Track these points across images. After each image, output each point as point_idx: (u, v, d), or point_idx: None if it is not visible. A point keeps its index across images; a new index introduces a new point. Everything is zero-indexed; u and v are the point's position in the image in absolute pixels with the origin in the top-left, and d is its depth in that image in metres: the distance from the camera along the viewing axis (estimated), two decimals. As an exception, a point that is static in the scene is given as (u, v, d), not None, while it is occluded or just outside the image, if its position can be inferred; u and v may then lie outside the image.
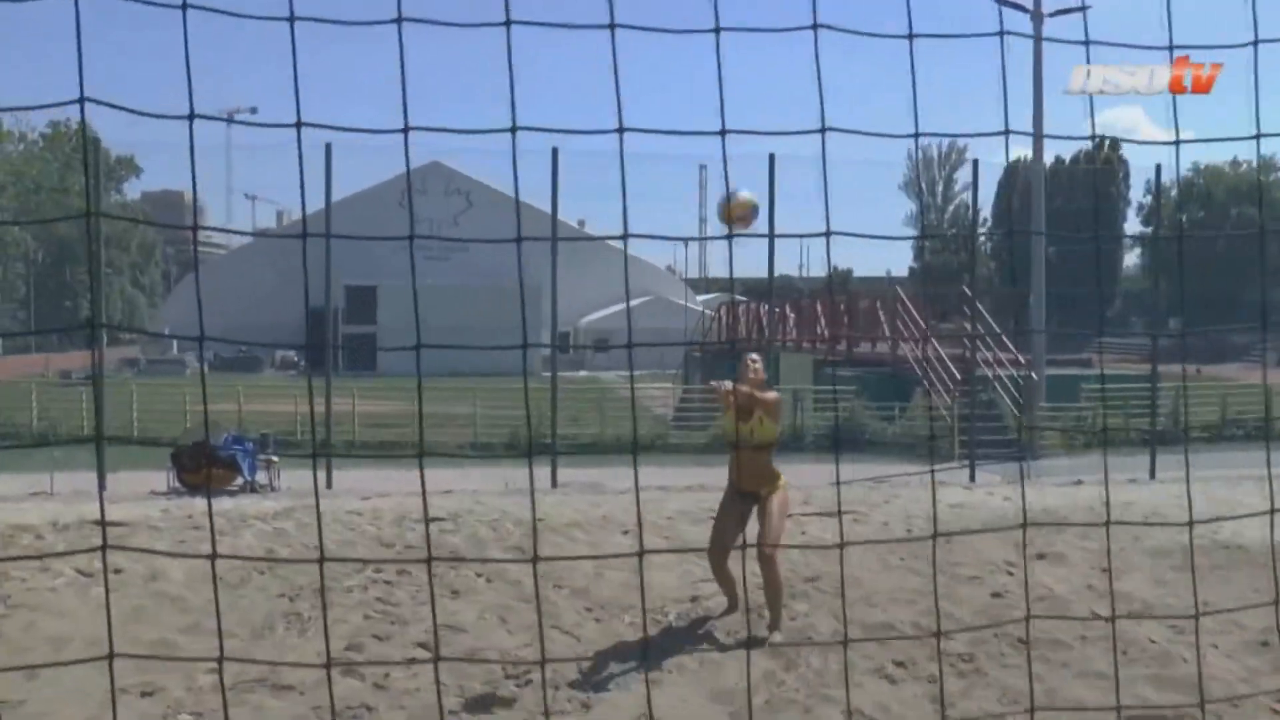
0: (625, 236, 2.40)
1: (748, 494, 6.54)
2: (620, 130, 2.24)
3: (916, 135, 2.62)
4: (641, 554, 2.68)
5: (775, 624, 6.49)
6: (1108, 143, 67.43)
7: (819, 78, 2.31)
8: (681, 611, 6.86)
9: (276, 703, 5.37)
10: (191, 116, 2.05)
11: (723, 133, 2.36)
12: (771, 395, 6.52)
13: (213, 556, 2.22)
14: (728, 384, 6.42)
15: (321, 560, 2.39)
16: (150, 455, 16.81)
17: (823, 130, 2.37)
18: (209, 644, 6.11)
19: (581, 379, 37.49)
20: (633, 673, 5.77)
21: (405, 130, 2.16)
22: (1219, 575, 7.86)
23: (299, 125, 2.04)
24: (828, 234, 2.58)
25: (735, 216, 6.45)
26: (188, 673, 5.64)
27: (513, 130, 2.17)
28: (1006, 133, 2.60)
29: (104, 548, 2.18)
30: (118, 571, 7.52)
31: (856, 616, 6.60)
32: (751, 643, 6.29)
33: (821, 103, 2.32)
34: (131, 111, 2.08)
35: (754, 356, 7.29)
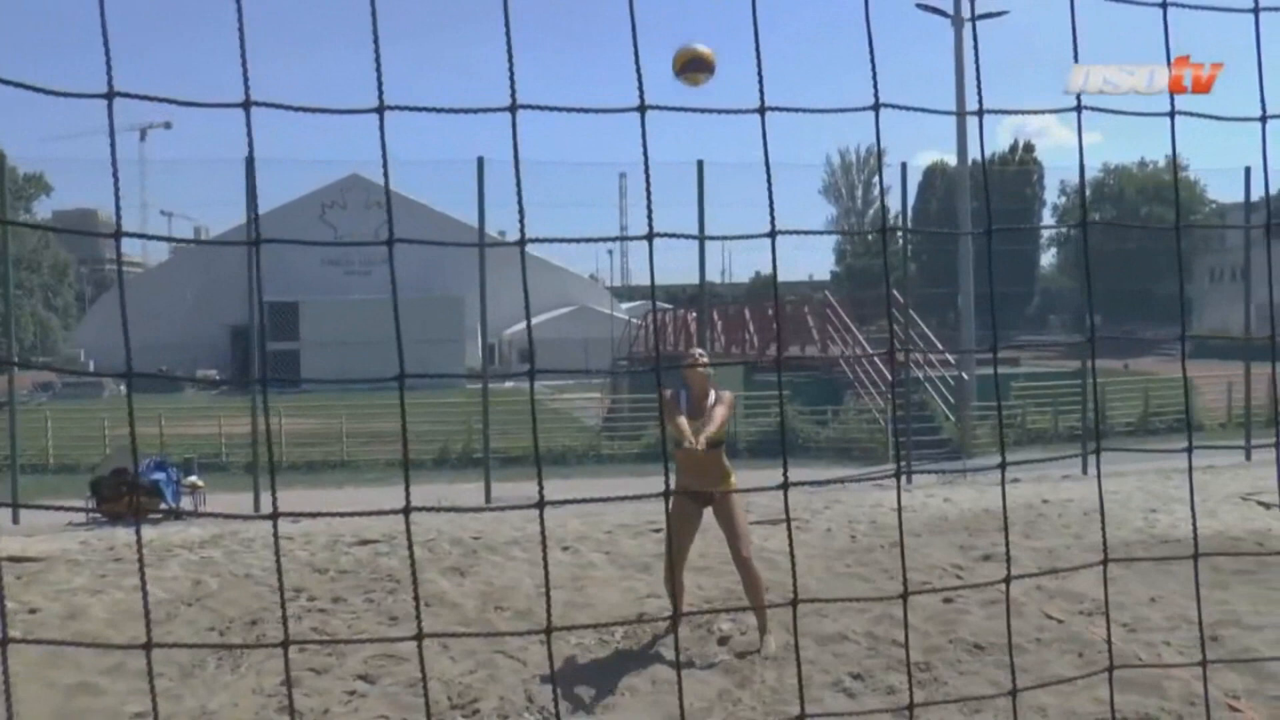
0: (651, 236, 2.21)
1: (698, 495, 6.33)
2: (641, 109, 2.05)
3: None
4: (676, 618, 2.48)
5: (765, 626, 6.30)
6: (1022, 144, 69.14)
7: (871, 42, 2.14)
8: (629, 630, 6.64)
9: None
10: (110, 95, 1.82)
11: (762, 111, 2.18)
12: (721, 410, 6.26)
13: (147, 646, 1.97)
14: (703, 440, 6.01)
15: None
16: (68, 484, 16.21)
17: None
18: (133, 685, 5.77)
19: (508, 390, 37.02)
20: (583, 697, 5.58)
21: (381, 110, 1.95)
22: (1161, 569, 7.87)
23: (247, 105, 1.83)
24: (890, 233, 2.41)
25: (685, 64, 5.45)
26: (112, 715, 5.33)
27: (512, 109, 1.98)
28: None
29: (4, 642, 1.92)
30: (33, 612, 7.12)
31: (809, 628, 6.45)
32: (706, 660, 6.13)
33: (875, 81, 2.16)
34: (42, 91, 1.84)
35: (699, 351, 7.06)
